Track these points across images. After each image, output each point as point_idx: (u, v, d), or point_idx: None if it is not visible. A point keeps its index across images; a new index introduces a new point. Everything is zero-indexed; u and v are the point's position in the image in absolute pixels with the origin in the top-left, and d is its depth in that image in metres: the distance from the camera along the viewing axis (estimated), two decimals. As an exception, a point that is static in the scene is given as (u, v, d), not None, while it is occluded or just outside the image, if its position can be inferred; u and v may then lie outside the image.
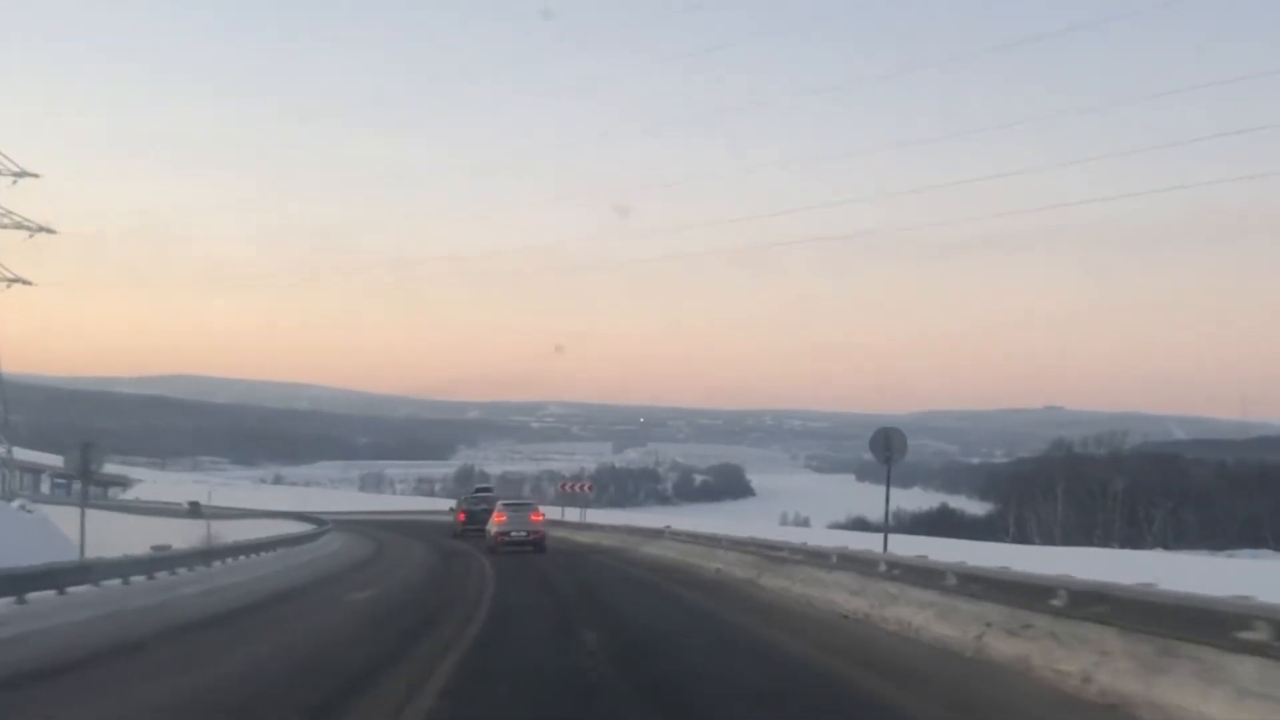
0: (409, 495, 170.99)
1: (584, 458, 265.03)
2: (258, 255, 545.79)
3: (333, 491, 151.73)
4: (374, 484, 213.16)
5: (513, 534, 39.57)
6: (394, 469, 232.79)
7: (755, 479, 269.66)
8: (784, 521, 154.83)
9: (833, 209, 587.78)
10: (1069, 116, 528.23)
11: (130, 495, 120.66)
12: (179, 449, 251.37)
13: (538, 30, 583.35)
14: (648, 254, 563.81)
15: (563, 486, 57.94)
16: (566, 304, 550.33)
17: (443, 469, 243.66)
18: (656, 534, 39.18)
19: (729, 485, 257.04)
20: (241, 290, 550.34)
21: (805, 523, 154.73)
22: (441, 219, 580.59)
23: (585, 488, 59.01)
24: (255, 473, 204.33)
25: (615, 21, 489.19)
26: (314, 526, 51.49)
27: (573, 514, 54.39)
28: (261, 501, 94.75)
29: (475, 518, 50.29)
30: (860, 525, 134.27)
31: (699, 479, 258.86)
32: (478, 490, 61.16)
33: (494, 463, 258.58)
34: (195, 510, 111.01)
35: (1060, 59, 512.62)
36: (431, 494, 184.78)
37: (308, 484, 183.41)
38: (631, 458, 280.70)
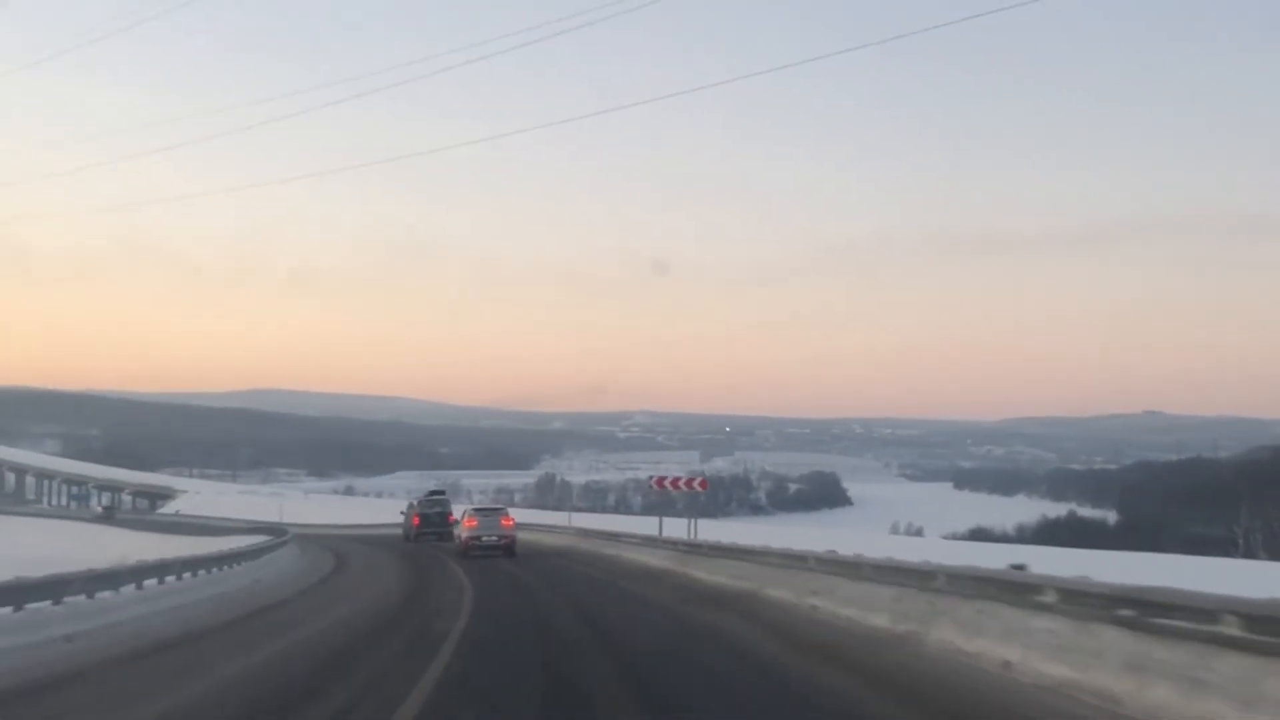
0: (486, 504, 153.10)
1: (670, 467, 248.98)
2: (344, 268, 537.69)
3: (394, 502, 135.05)
4: (450, 494, 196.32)
5: (483, 538, 39.58)
6: (472, 479, 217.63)
7: (851, 488, 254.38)
8: (895, 531, 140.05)
9: (916, 210, 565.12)
10: (1166, 110, 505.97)
11: (171, 509, 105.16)
12: (254, 461, 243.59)
13: (634, 28, 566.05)
14: (733, 262, 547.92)
15: (659, 483, 39.10)
16: (652, 313, 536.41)
17: (523, 478, 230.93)
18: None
19: (825, 494, 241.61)
20: (328, 302, 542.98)
21: (919, 533, 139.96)
22: (528, 227, 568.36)
23: (698, 484, 40.44)
24: (329, 484, 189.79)
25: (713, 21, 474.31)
26: (267, 539, 39.85)
27: (676, 528, 36.06)
28: (291, 514, 80.00)
29: (429, 521, 50.31)
30: (980, 536, 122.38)
31: (793, 487, 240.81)
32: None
33: (578, 472, 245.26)
34: (108, 516, 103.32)
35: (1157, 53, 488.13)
36: (511, 503, 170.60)
37: (380, 494, 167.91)
38: (719, 467, 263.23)
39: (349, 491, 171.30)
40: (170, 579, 20.24)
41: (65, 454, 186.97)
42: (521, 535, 49.93)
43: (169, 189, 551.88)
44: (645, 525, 52.64)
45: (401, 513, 57.55)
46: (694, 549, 29.79)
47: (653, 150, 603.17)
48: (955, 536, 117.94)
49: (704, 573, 25.14)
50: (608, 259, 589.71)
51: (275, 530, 49.25)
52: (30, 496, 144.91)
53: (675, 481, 39.61)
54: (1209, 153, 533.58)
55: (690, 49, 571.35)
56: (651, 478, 41.41)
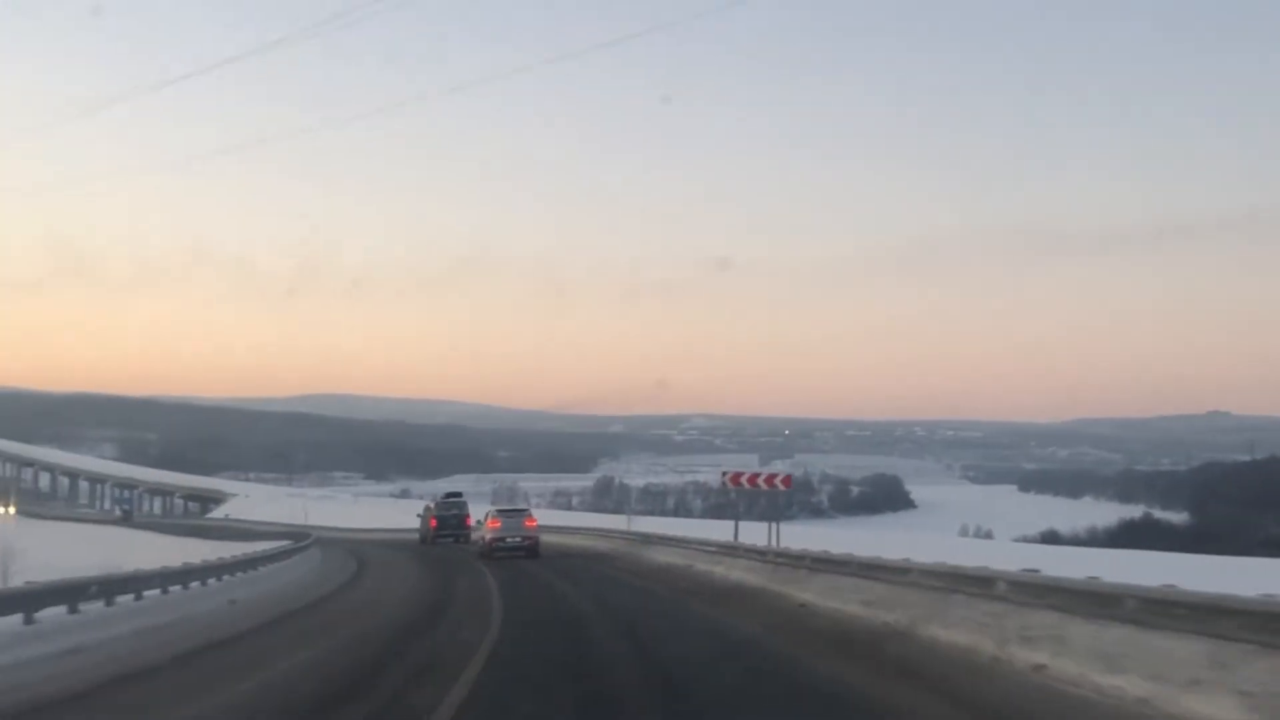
0: (543, 508, 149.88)
1: (730, 470, 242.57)
2: (404, 273, 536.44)
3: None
4: (508, 497, 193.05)
5: (507, 539, 39.01)
6: (529, 481, 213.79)
7: (913, 490, 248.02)
8: (964, 534, 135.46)
9: (979, 209, 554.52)
10: (1236, 105, 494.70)
11: (220, 513, 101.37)
12: (312, 464, 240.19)
13: (694, 43, 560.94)
14: (792, 263, 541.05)
15: (734, 480, 35.22)
16: (710, 315, 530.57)
17: (580, 481, 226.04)
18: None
19: (888, 497, 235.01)
20: (388, 308, 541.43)
21: (988, 535, 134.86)
22: (588, 231, 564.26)
23: (781, 482, 35.73)
24: (386, 487, 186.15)
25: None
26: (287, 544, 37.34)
27: (755, 533, 31.07)
28: (327, 517, 75.90)
29: (446, 524, 50.33)
30: (1052, 539, 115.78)
31: (855, 490, 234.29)
32: (448, 496, 58.23)
33: (636, 475, 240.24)
34: (127, 518, 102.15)
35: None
36: (569, 507, 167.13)
37: (434, 497, 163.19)
38: (779, 470, 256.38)
39: (404, 494, 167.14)
40: (125, 599, 15.32)
41: (122, 459, 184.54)
42: (576, 541, 45.69)
43: (231, 196, 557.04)
44: (711, 530, 47.96)
45: (418, 515, 56.96)
46: (792, 560, 23.88)
47: (712, 150, 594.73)
48: (1026, 539, 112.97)
49: (815, 595, 19.17)
50: (666, 262, 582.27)
51: (297, 535, 45.52)
52: (83, 501, 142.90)
53: (754, 478, 34.39)
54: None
55: (746, 51, 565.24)
56: (726, 474, 35.35)
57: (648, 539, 40.28)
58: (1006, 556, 25.16)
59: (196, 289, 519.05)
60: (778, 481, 35.52)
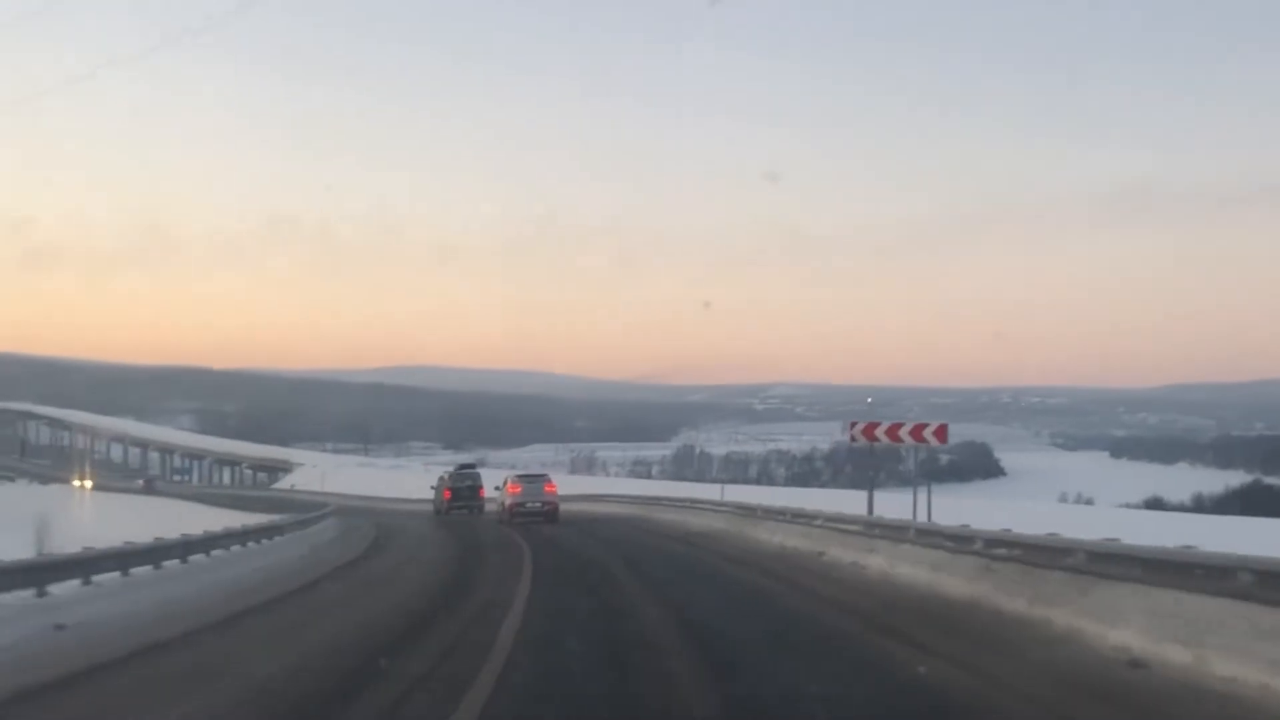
0: (622, 477, 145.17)
1: (813, 438, 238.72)
2: (485, 243, 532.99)
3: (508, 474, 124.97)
4: (585, 466, 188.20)
5: (528, 505, 39.73)
6: (608, 451, 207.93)
7: (1003, 457, 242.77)
8: (1063, 501, 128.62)
9: (1064, 169, 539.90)
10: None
11: (286, 483, 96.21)
12: (391, 435, 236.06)
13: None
14: (873, 227, 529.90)
15: (868, 433, 27.25)
16: (790, 282, 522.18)
17: (660, 450, 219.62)
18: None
19: (978, 464, 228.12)
20: (469, 279, 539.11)
21: (1089, 502, 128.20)
22: (664, 198, 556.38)
23: (934, 434, 27.30)
24: (463, 457, 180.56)
25: None
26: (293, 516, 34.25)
27: (894, 503, 23.81)
28: (381, 487, 71.21)
29: (460, 495, 50.17)
30: (1157, 505, 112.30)
31: (945, 458, 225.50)
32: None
33: (717, 444, 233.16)
34: (150, 487, 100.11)
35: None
36: (648, 475, 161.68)
37: (513, 467, 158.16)
38: (839, 440, 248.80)
39: (481, 463, 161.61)
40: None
41: (201, 430, 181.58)
42: (663, 516, 39.29)
43: (313, 167, 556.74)
44: (813, 499, 44.09)
45: (432, 487, 56.29)
46: (1002, 549, 14.88)
47: (790, 114, 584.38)
48: (1129, 506, 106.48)
49: (1138, 632, 10.56)
50: (747, 229, 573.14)
51: (308, 506, 43.85)
52: (154, 471, 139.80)
53: (895, 430, 25.97)
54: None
55: (814, 14, 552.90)
56: (853, 425, 26.97)
57: (750, 512, 31.83)
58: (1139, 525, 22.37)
59: (280, 261, 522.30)
60: (928, 434, 26.47)
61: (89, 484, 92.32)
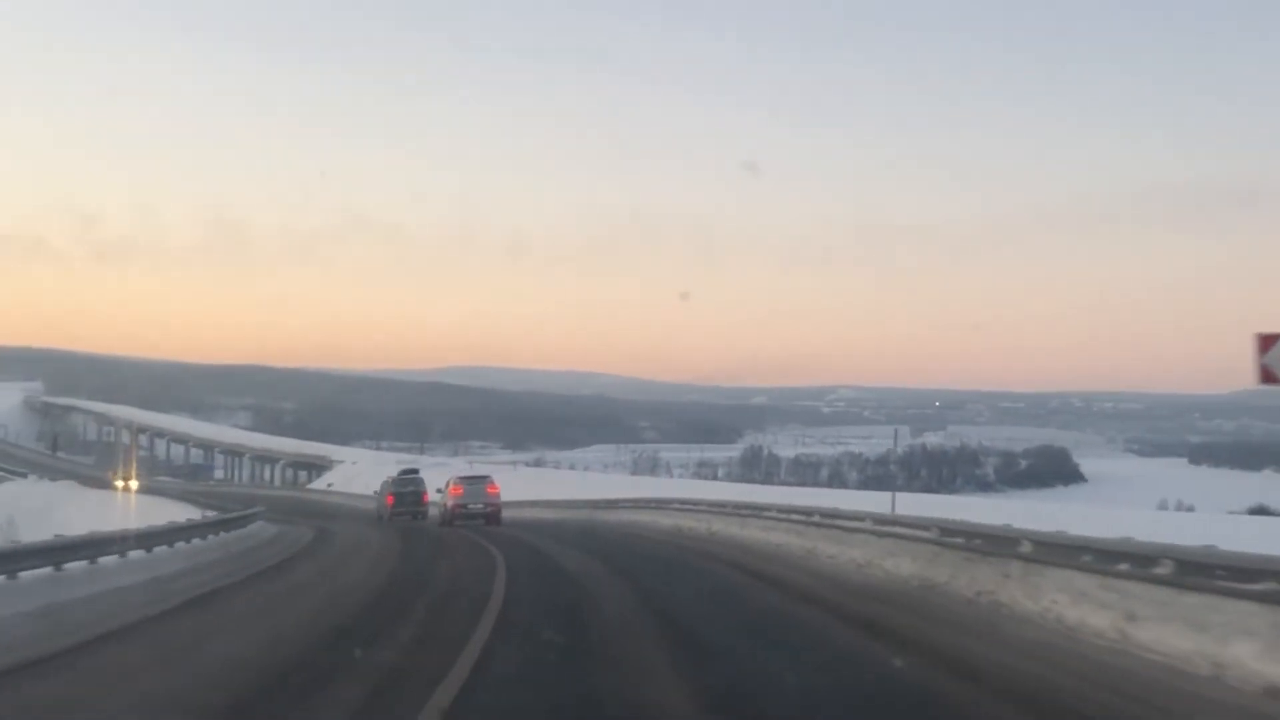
0: (685, 479, 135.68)
1: (880, 440, 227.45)
2: (551, 244, 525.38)
3: (584, 475, 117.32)
4: (648, 467, 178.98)
5: (469, 506, 39.02)
6: (671, 452, 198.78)
7: (1081, 463, 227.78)
8: (1163, 508, 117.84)
9: (1139, 168, 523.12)
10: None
11: (323, 483, 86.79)
12: (449, 434, 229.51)
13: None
14: (940, 228, 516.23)
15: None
16: (854, 284, 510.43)
17: (726, 452, 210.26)
18: None
19: (1056, 470, 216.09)
20: (534, 279, 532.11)
21: (1190, 509, 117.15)
22: (736, 199, 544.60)
23: None
24: (522, 456, 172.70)
25: None
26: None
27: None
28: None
29: (403, 500, 47.94)
30: (1262, 512, 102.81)
31: (1023, 463, 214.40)
32: (404, 473, 55.33)
33: (783, 446, 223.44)
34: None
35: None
36: (714, 477, 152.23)
37: (573, 467, 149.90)
38: (933, 441, 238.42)
39: (538, 464, 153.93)
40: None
41: (255, 427, 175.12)
42: (749, 533, 26.35)
43: (379, 167, 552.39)
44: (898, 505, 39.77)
45: (375, 491, 55.20)
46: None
47: (858, 114, 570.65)
48: (1234, 513, 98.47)
49: None
50: (809, 230, 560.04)
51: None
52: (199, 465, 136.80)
53: None
54: None
55: (891, 11, 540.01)
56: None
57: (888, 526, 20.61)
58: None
59: (345, 260, 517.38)
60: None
61: (133, 483, 78.30)
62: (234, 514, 29.90)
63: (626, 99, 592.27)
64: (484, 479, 42.62)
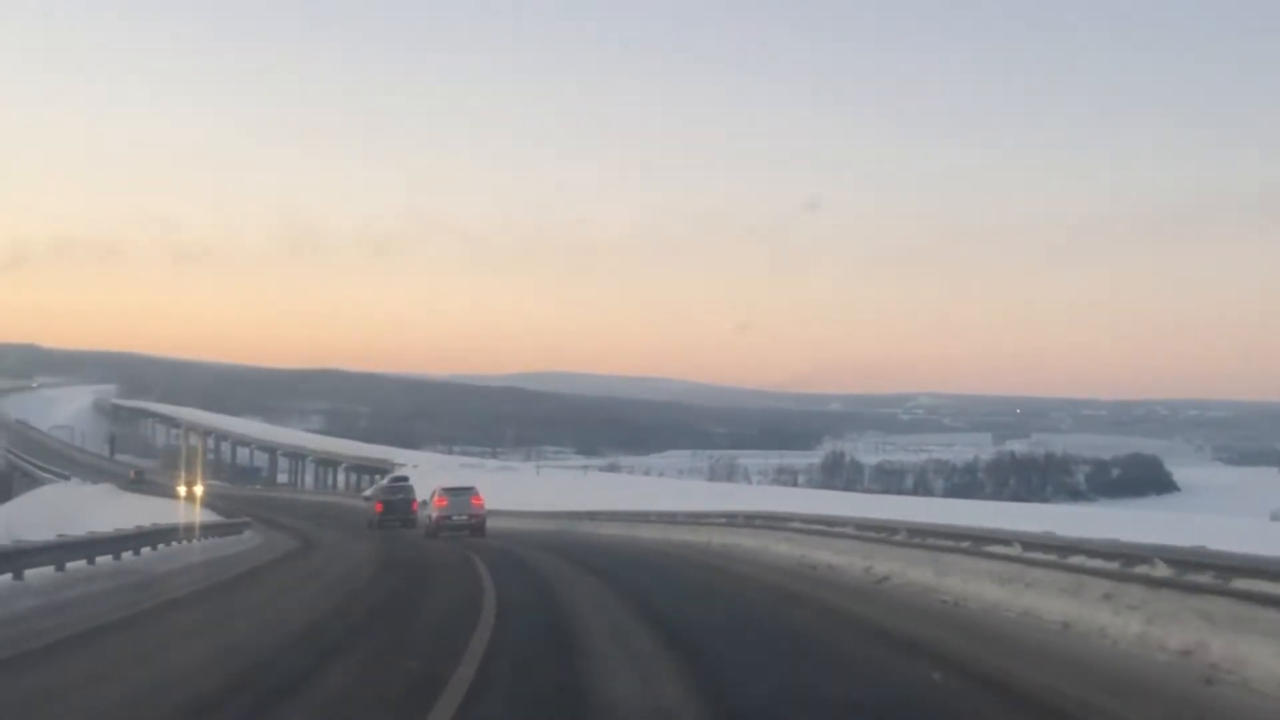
0: (766, 485, 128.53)
1: (963, 448, 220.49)
2: (624, 248, 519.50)
3: (657, 481, 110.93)
4: (725, 473, 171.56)
5: (454, 517, 38.66)
6: (749, 458, 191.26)
7: (1172, 472, 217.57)
8: (1277, 519, 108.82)
9: (1226, 171, 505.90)
10: None
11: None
12: (522, 439, 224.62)
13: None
14: (1021, 234, 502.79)
15: None
16: (934, 291, 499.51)
17: (806, 458, 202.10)
18: None
19: (1149, 478, 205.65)
20: (606, 283, 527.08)
21: None
22: (811, 201, 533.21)
23: None
24: (595, 461, 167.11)
25: None
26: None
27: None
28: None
29: (393, 508, 47.40)
30: None
31: (1115, 471, 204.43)
32: (394, 480, 56.65)
33: (864, 453, 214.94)
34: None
35: None
36: (794, 484, 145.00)
37: (648, 472, 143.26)
38: (1020, 450, 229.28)
39: (612, 469, 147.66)
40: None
41: (328, 431, 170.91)
42: (922, 573, 18.15)
43: (456, 171, 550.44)
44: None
45: (365, 498, 54.93)
46: None
47: (938, 117, 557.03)
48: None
49: None
50: (891, 232, 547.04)
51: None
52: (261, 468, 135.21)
53: None
54: None
55: (976, 13, 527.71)
56: None
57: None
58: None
59: (419, 266, 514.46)
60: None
61: (197, 488, 71.18)
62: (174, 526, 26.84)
63: (701, 102, 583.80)
64: (469, 490, 41.68)
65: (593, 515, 43.07)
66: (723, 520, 29.10)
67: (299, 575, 22.09)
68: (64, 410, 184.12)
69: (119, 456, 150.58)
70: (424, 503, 44.04)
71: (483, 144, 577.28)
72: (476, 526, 38.32)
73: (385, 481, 53.79)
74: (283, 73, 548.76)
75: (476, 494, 40.85)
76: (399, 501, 48.10)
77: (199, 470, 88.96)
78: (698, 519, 31.90)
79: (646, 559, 23.72)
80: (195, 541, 26.77)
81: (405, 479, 55.05)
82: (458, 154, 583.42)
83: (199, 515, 41.75)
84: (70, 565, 16.51)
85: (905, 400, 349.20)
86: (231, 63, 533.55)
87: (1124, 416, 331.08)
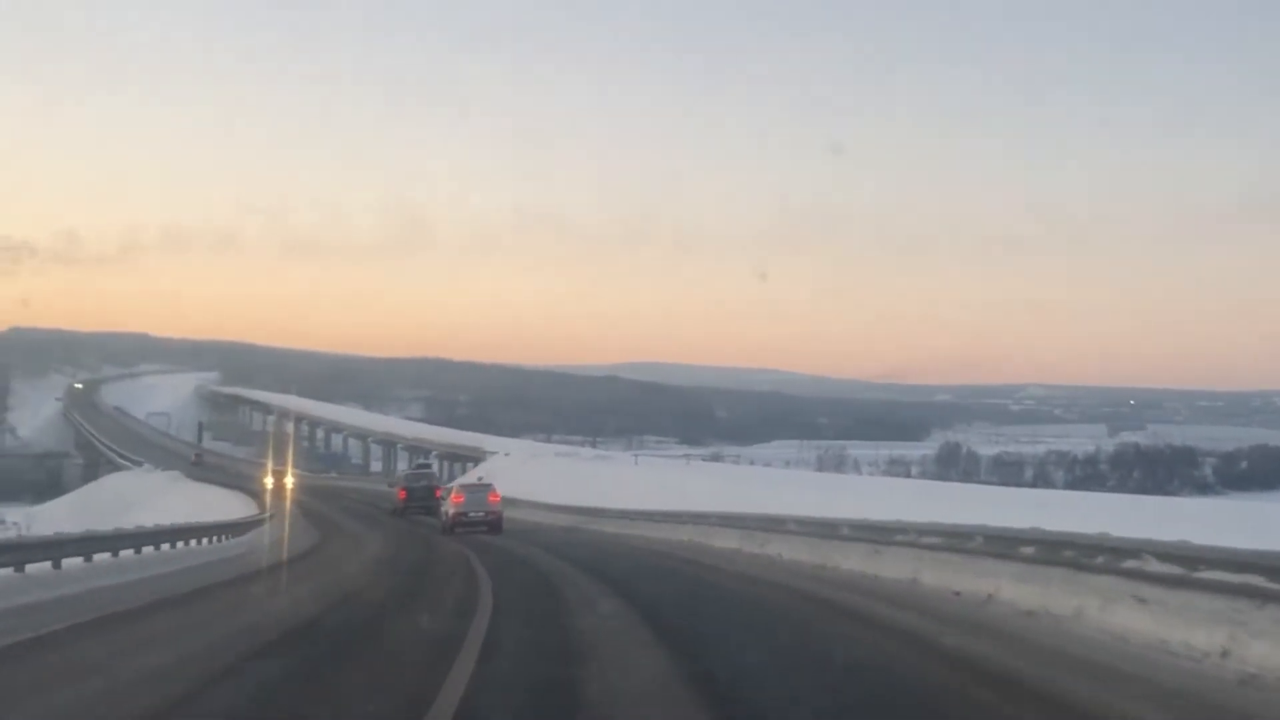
0: (878, 476, 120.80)
1: (1079, 440, 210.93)
2: (729, 236, 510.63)
3: (763, 471, 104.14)
4: (834, 464, 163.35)
5: (470, 514, 38.39)
6: (859, 449, 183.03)
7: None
8: None
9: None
10: None
11: (473, 477, 73.60)
12: (623, 428, 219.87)
13: None
14: (1134, 219, 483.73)
15: None
16: (1046, 280, 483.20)
17: (919, 449, 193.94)
18: None
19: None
20: (710, 273, 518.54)
21: None
22: (923, 189, 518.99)
23: None
24: (699, 451, 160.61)
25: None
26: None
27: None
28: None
29: (416, 495, 48.39)
30: None
31: (1243, 464, 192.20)
32: (417, 468, 59.11)
33: (977, 444, 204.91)
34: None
35: None
36: (906, 475, 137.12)
37: (751, 462, 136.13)
38: (1144, 442, 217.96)
39: (715, 459, 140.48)
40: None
41: (427, 420, 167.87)
42: None
43: (558, 161, 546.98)
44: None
45: (388, 485, 55.07)
46: None
47: (1048, 103, 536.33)
48: None
49: None
50: (998, 223, 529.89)
51: None
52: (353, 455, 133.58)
53: None
54: None
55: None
56: None
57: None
58: None
59: (521, 256, 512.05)
60: None
61: (288, 478, 62.84)
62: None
63: (805, 89, 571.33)
64: (486, 487, 41.92)
65: (704, 518, 30.99)
66: (873, 534, 18.52)
67: (228, 604, 16.81)
68: (165, 398, 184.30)
69: (216, 443, 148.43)
70: (446, 493, 43.96)
71: (587, 135, 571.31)
72: (493, 523, 37.85)
73: (410, 468, 52.85)
74: (392, 66, 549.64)
75: (494, 491, 41.00)
76: (421, 489, 48.97)
77: (287, 457, 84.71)
78: (890, 532, 17.94)
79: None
80: (193, 544, 25.34)
81: (429, 466, 57.18)
82: (562, 145, 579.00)
83: (232, 509, 43.42)
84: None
85: (1015, 391, 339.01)
86: (342, 56, 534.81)
87: (1241, 407, 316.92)
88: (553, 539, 33.15)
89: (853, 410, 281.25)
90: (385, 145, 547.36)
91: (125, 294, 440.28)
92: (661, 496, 45.34)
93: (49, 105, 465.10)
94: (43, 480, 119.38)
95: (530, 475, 62.49)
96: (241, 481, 70.74)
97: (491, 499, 39.45)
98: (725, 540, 26.17)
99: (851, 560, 18.15)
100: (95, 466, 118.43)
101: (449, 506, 39.26)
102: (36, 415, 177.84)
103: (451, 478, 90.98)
